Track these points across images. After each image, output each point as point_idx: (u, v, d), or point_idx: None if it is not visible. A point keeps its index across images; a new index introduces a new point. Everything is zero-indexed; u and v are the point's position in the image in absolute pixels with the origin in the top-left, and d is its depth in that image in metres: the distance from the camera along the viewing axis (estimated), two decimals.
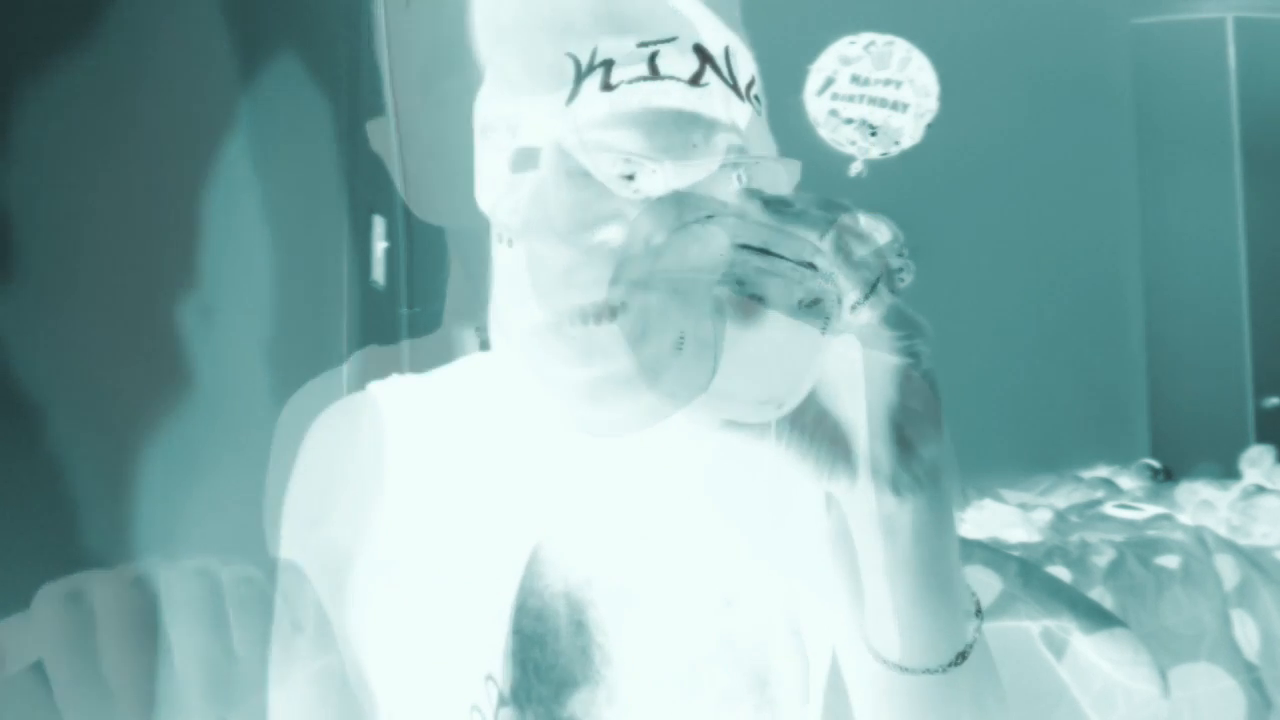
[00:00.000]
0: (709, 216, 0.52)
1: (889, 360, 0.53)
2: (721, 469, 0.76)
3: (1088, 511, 2.83)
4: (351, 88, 1.82)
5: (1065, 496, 3.10)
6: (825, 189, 0.57)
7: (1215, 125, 4.16)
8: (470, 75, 0.73)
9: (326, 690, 0.73)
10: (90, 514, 1.03)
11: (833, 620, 0.75)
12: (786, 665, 0.72)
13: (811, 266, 0.50)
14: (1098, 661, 1.94)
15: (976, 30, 3.74)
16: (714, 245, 0.51)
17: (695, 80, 0.66)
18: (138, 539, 1.11)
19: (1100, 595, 2.20)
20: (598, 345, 0.64)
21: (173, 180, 1.22)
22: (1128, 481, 3.37)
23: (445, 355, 0.84)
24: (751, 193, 0.53)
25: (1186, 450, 3.76)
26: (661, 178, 0.64)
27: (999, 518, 2.67)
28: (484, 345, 0.81)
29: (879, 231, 0.54)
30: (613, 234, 0.63)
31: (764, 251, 0.50)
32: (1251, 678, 2.25)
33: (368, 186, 1.89)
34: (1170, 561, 2.33)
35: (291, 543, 0.76)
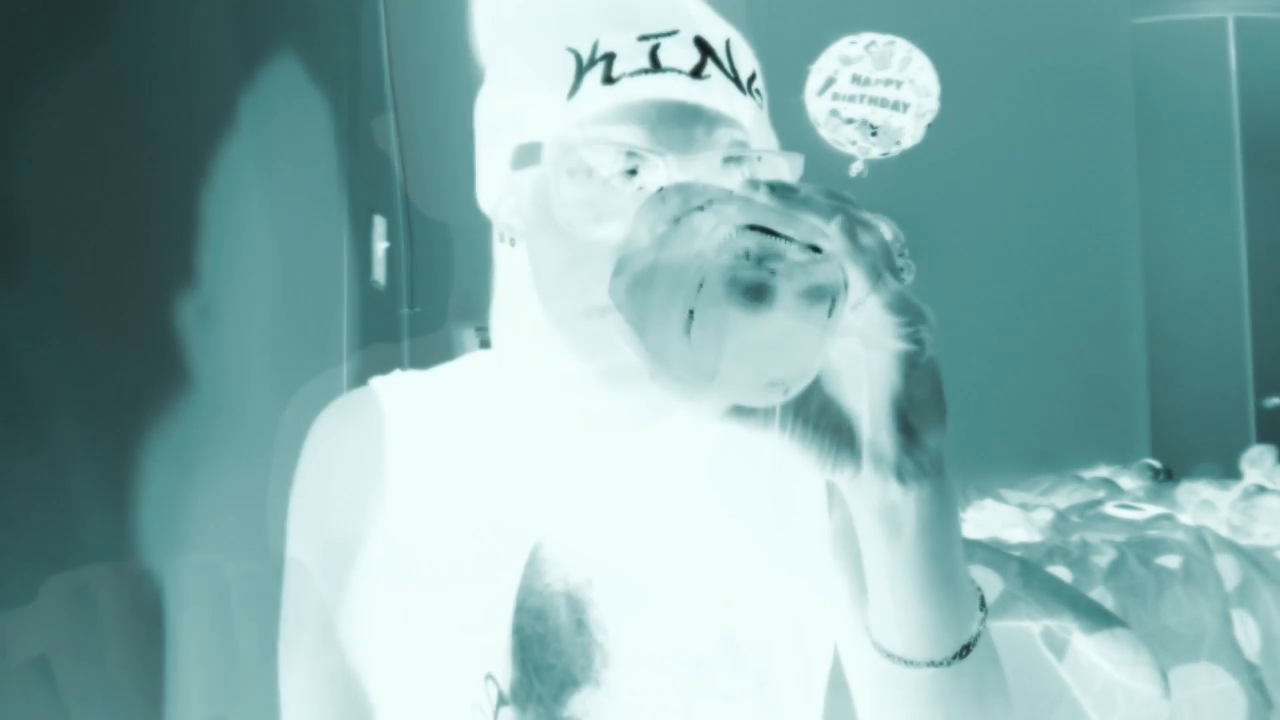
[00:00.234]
0: (712, 201, 0.52)
1: (893, 347, 0.52)
2: (723, 467, 0.76)
3: (1088, 511, 2.83)
4: (352, 88, 1.82)
5: (1066, 496, 3.10)
6: None
7: (1216, 125, 4.16)
8: (471, 74, 0.73)
9: (334, 686, 0.74)
10: (90, 514, 1.03)
11: (835, 618, 0.75)
12: (788, 664, 0.72)
13: (817, 250, 0.50)
14: (1098, 661, 1.94)
15: (976, 30, 3.75)
16: (719, 230, 0.51)
17: (697, 73, 0.66)
18: (138, 538, 1.11)
19: (1101, 595, 2.20)
20: (603, 337, 0.64)
21: (173, 180, 1.22)
22: (1128, 481, 3.37)
23: (446, 355, 0.84)
24: (756, 181, 0.53)
25: (1187, 450, 3.76)
26: (664, 172, 0.64)
27: (1000, 517, 2.67)
28: (484, 345, 0.81)
29: (880, 230, 0.54)
30: (615, 231, 0.63)
31: (770, 233, 0.50)
32: (1252, 678, 2.25)
33: (368, 186, 1.89)
34: (1171, 561, 2.33)
35: (296, 539, 0.76)
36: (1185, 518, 2.70)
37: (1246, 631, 2.29)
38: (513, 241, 0.74)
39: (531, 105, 0.68)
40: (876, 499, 0.55)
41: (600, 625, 0.70)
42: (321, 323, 1.71)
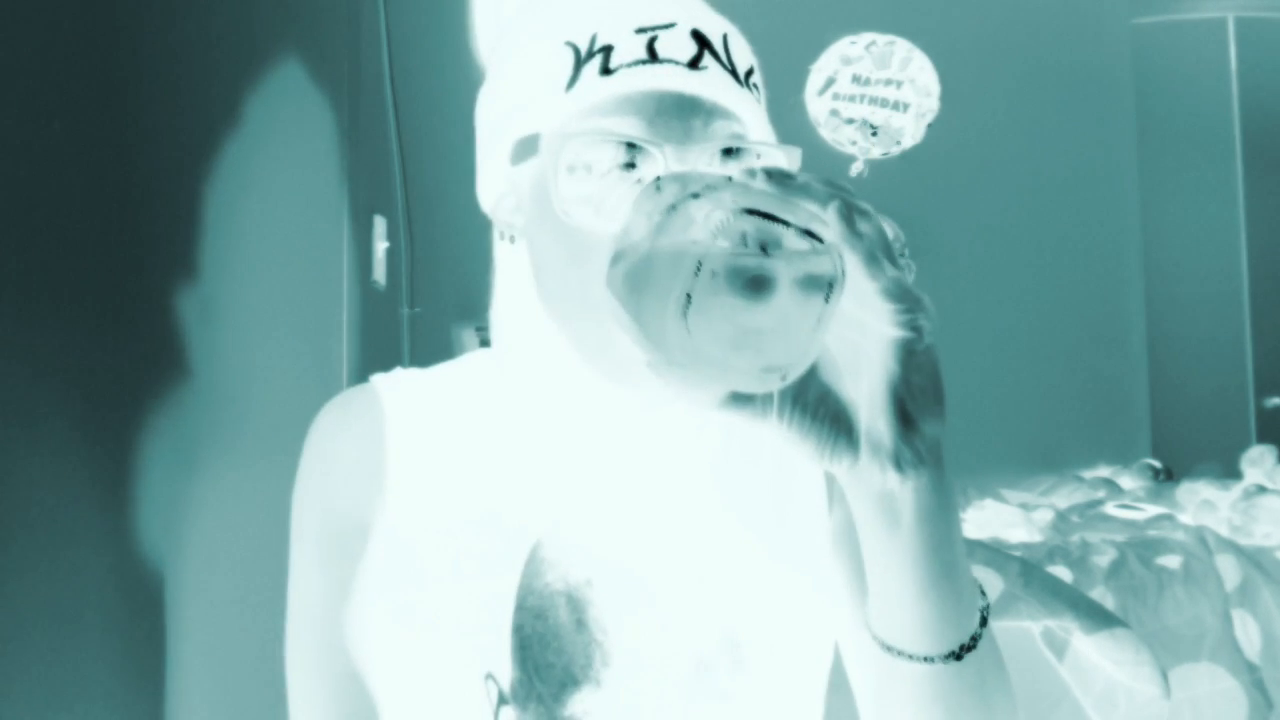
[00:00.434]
0: (709, 188, 0.52)
1: (891, 334, 0.52)
2: (724, 466, 0.76)
3: (1089, 511, 2.82)
4: (352, 88, 1.82)
5: (1066, 496, 3.10)
6: None
7: (1216, 125, 4.16)
8: (471, 74, 0.73)
9: (340, 684, 0.73)
10: (90, 512, 1.03)
11: (836, 617, 0.75)
12: (788, 664, 0.72)
13: (814, 235, 0.50)
14: (1099, 662, 1.94)
15: (977, 30, 3.75)
16: (715, 215, 0.50)
17: (694, 64, 0.66)
18: (138, 537, 1.11)
19: (1101, 595, 2.20)
20: (603, 334, 0.64)
21: (174, 179, 1.22)
22: (1129, 481, 3.37)
23: (446, 355, 0.84)
24: (754, 169, 0.53)
25: (1187, 450, 3.77)
26: (662, 164, 0.64)
27: (1000, 517, 2.66)
28: (484, 344, 0.82)
29: (877, 218, 0.54)
30: (614, 225, 0.63)
31: (768, 217, 0.50)
32: (1253, 678, 2.25)
33: (368, 186, 1.89)
34: (1171, 561, 2.33)
35: (299, 537, 0.76)
36: (1185, 518, 2.70)
37: (1247, 632, 2.29)
38: (513, 239, 0.74)
39: (531, 99, 0.68)
40: (875, 488, 0.55)
41: (600, 624, 0.70)
42: (321, 323, 1.71)
